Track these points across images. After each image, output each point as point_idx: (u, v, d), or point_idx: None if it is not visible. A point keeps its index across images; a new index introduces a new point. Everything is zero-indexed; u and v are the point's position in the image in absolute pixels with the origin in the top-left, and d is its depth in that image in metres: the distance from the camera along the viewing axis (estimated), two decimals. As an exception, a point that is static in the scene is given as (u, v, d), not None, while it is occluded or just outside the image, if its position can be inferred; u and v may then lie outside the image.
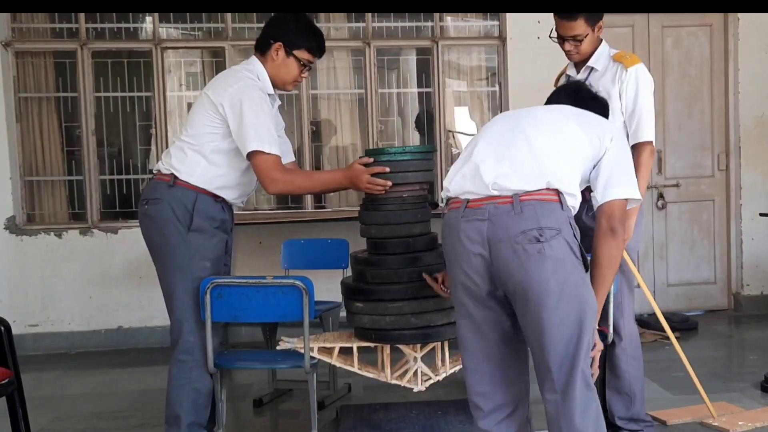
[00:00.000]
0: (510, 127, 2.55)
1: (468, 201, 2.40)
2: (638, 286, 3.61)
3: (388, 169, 3.08)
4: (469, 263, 2.38)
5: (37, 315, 5.74)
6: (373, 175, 3.07)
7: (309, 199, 6.02)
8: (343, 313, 3.43)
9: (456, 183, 2.47)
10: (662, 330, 5.48)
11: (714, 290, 6.36)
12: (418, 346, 3.20)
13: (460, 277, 2.42)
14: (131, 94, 5.96)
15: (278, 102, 3.36)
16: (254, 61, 3.27)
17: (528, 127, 2.50)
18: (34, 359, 5.38)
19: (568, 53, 3.47)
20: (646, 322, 5.67)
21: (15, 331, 3.08)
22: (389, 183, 3.07)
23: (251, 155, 3.10)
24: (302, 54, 3.24)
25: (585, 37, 3.39)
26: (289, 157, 3.46)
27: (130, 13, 5.90)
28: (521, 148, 2.43)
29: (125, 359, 5.50)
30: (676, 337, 5.33)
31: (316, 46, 3.27)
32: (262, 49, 3.26)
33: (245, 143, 3.08)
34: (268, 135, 3.10)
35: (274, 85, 3.28)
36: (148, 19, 5.95)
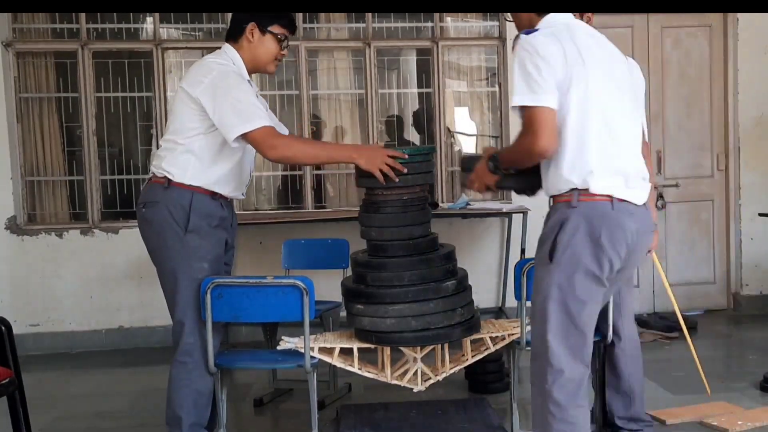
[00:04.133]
0: None
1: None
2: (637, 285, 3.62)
3: (406, 156, 3.08)
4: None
5: (38, 315, 5.75)
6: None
7: (309, 200, 6.03)
8: (343, 313, 3.43)
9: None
10: (661, 330, 5.53)
11: (713, 290, 6.37)
12: (418, 347, 3.21)
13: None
14: (132, 94, 5.97)
15: (256, 89, 3.33)
16: (227, 48, 3.25)
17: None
18: (34, 359, 5.38)
19: None
20: (646, 321, 5.69)
21: (16, 330, 3.07)
22: (405, 169, 3.07)
23: (244, 137, 3.05)
24: (276, 29, 3.23)
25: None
26: (282, 131, 3.45)
27: (131, 14, 5.90)
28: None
29: (126, 359, 5.50)
30: (675, 337, 5.41)
31: (288, 21, 3.28)
32: (234, 35, 3.25)
33: (231, 130, 3.04)
34: (255, 111, 3.07)
35: (255, 68, 3.27)
36: (149, 19, 5.96)
